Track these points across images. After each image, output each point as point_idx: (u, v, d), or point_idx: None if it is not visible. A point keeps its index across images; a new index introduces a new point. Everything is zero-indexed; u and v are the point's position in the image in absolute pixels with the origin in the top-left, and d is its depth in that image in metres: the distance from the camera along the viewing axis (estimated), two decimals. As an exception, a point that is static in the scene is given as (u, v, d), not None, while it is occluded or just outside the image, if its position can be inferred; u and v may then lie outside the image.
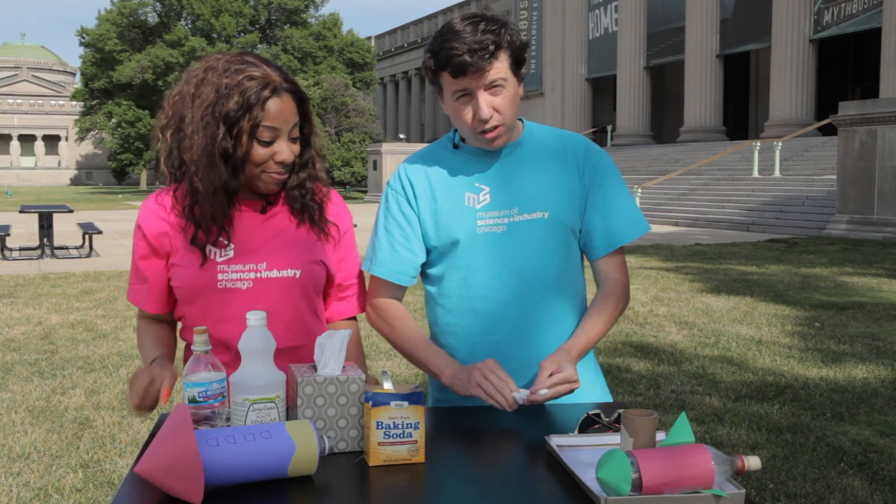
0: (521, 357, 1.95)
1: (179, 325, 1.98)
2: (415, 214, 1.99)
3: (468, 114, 1.86)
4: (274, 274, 1.84)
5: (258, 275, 1.83)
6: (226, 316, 1.82)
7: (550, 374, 1.78)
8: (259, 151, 1.76)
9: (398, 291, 2.04)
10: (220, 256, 1.82)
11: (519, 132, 2.00)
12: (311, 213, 1.90)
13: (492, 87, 1.84)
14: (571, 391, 1.81)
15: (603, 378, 2.15)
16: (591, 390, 2.05)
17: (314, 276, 1.90)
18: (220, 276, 1.81)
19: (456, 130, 2.01)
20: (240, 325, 1.73)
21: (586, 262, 2.11)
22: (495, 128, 1.88)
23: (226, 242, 1.82)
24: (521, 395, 1.78)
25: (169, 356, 1.88)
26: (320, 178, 1.92)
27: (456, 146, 2.01)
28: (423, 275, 2.06)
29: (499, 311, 1.95)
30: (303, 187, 1.89)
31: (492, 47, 1.80)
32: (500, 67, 1.83)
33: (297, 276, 1.86)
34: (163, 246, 1.84)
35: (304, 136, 1.86)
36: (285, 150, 1.78)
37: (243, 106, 1.71)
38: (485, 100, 1.84)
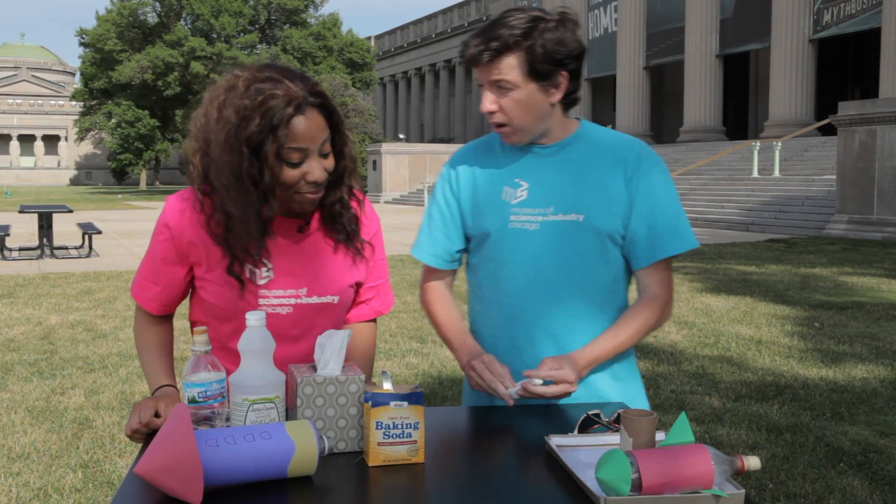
0: (537, 356, 1.95)
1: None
2: (455, 202, 2.03)
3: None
4: (314, 300, 1.81)
5: (298, 300, 1.80)
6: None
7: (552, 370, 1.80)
8: (289, 173, 1.66)
9: (443, 275, 2.10)
10: (261, 279, 1.76)
11: (569, 132, 1.97)
12: (347, 234, 1.85)
13: (497, 85, 1.85)
14: (567, 394, 1.81)
15: (639, 382, 2.10)
16: (624, 392, 2.01)
17: (349, 300, 1.90)
18: (261, 301, 1.76)
19: None
20: (276, 349, 1.64)
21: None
22: (501, 126, 1.89)
23: (264, 262, 1.76)
24: (514, 389, 1.80)
25: (172, 379, 1.83)
26: (354, 186, 1.86)
27: None
28: (467, 264, 2.10)
29: (521, 306, 1.96)
30: (341, 202, 1.82)
31: (494, 45, 1.80)
32: (506, 69, 1.82)
33: (336, 301, 1.84)
34: (191, 255, 1.77)
35: (337, 149, 1.75)
36: (317, 170, 1.68)
37: (266, 128, 1.61)
38: (488, 95, 1.86)
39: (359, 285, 1.92)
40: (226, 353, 1.81)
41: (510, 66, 1.82)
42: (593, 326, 1.96)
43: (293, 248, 1.79)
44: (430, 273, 2.11)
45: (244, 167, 1.63)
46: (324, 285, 1.82)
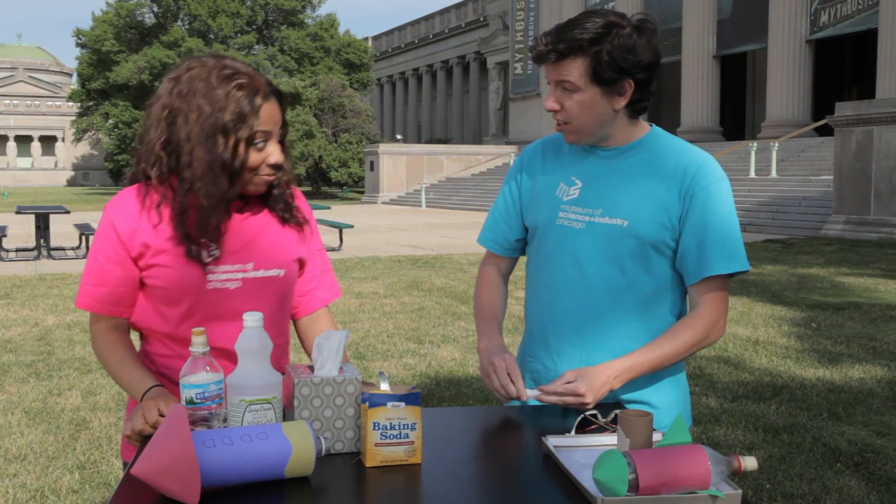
0: (563, 352, 1.96)
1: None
2: (518, 192, 2.08)
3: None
4: (261, 273, 1.86)
5: (245, 275, 1.84)
6: (214, 315, 1.81)
7: (567, 383, 1.82)
8: (255, 157, 1.77)
9: (499, 261, 2.17)
10: (207, 256, 1.80)
11: (634, 138, 1.96)
12: (288, 210, 1.93)
13: (562, 86, 1.87)
14: (580, 405, 1.80)
15: (686, 402, 2.07)
16: (668, 411, 1.98)
17: (294, 274, 1.94)
18: (209, 277, 1.80)
19: None
20: (227, 326, 1.78)
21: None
22: (563, 124, 1.91)
23: (210, 243, 1.81)
24: (531, 394, 1.85)
25: (156, 381, 1.82)
26: (290, 177, 1.93)
27: None
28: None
29: (557, 302, 1.98)
30: (279, 184, 1.91)
31: (562, 46, 1.82)
32: (570, 70, 1.83)
33: (282, 275, 1.89)
34: (134, 247, 1.80)
35: (282, 137, 1.88)
36: (276, 153, 1.80)
37: (240, 115, 1.72)
38: (554, 93, 1.90)
39: (302, 262, 1.97)
40: (174, 342, 1.83)
41: (575, 69, 1.83)
42: (624, 332, 1.94)
43: (237, 228, 1.85)
44: (488, 258, 2.18)
45: (218, 154, 1.72)
46: (269, 259, 1.87)
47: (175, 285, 1.80)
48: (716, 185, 1.91)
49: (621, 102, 1.87)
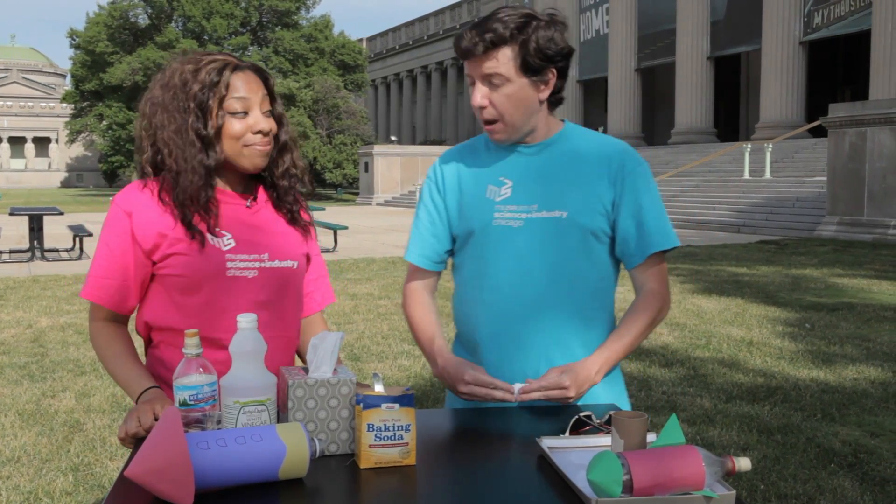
0: (523, 354, 1.96)
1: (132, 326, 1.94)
2: (443, 203, 2.05)
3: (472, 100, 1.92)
4: (276, 264, 1.88)
5: (262, 264, 1.86)
6: (233, 305, 1.81)
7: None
8: (235, 126, 1.80)
9: (427, 277, 2.11)
10: (224, 245, 1.83)
11: (553, 131, 1.99)
12: (292, 213, 1.97)
13: (489, 80, 1.86)
14: (564, 399, 1.84)
15: (622, 384, 2.11)
16: (605, 395, 2.02)
17: (304, 269, 1.98)
18: (228, 265, 1.82)
19: None
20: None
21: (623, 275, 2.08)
22: (491, 122, 1.90)
23: (224, 233, 1.84)
24: (518, 387, 1.85)
25: (153, 381, 1.81)
26: (299, 186, 1.96)
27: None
28: (451, 264, 2.12)
29: (506, 304, 1.96)
30: (289, 174, 1.93)
31: (489, 36, 1.82)
32: (499, 63, 1.84)
33: (295, 267, 1.92)
34: (149, 240, 1.80)
35: (276, 117, 1.89)
36: (262, 121, 1.82)
37: (208, 84, 1.78)
38: (480, 90, 1.88)
39: (308, 260, 2.01)
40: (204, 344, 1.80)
41: (505, 59, 1.84)
42: (579, 323, 1.97)
43: (247, 221, 1.89)
44: (414, 273, 2.12)
45: (189, 122, 1.78)
46: (283, 251, 1.91)
47: (195, 272, 1.80)
48: (641, 169, 1.99)
49: (546, 92, 1.91)
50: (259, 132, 1.82)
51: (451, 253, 2.09)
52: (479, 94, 1.89)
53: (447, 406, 2.12)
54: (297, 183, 1.96)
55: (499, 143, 1.99)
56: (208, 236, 1.81)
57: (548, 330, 1.96)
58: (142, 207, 1.82)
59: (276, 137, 1.90)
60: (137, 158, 1.89)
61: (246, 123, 1.81)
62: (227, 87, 1.79)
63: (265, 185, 1.95)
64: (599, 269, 1.99)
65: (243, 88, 1.80)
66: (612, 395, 2.04)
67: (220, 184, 1.88)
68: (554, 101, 1.96)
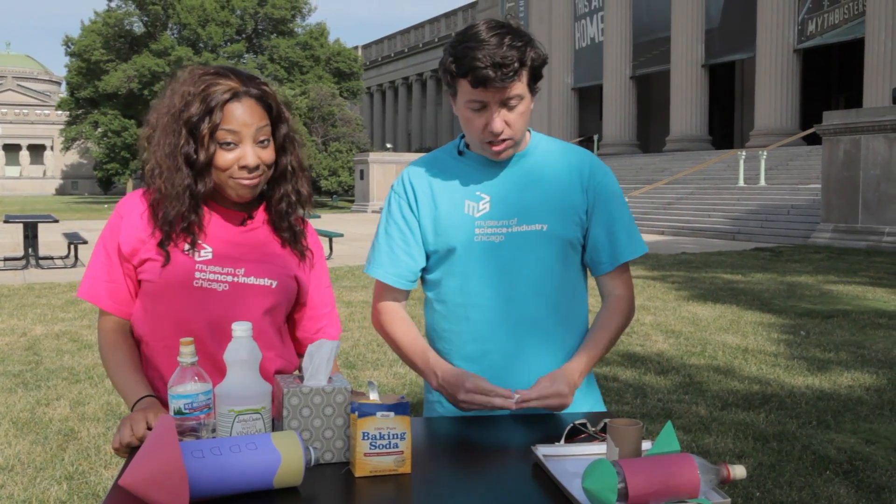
0: (510, 366, 1.96)
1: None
2: (415, 219, 2.00)
3: (479, 124, 1.88)
4: (251, 280, 1.86)
5: (235, 279, 1.84)
6: (197, 315, 1.81)
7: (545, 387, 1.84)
8: (224, 157, 1.79)
9: (399, 294, 2.07)
10: (199, 256, 1.83)
11: (525, 143, 2.00)
12: (293, 234, 1.94)
13: (508, 102, 1.85)
14: (561, 406, 1.85)
15: (597, 389, 2.14)
16: (583, 401, 2.04)
17: (289, 289, 1.92)
18: (197, 275, 1.82)
19: (462, 137, 2.03)
20: (209, 328, 1.79)
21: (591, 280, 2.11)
22: (504, 141, 1.89)
23: (204, 246, 1.84)
24: (515, 395, 1.84)
25: (151, 390, 1.82)
26: (302, 203, 1.94)
27: (461, 153, 2.02)
28: (423, 279, 2.08)
29: (492, 319, 1.96)
30: (288, 202, 1.91)
31: (516, 65, 1.80)
32: (520, 85, 1.84)
33: (274, 286, 1.88)
34: (129, 244, 1.84)
35: (279, 143, 1.86)
36: (249, 155, 1.79)
37: (203, 111, 1.77)
38: (500, 115, 1.85)
39: (299, 283, 1.95)
40: (168, 350, 1.81)
41: (522, 81, 1.85)
42: (564, 333, 2.00)
43: (234, 238, 1.88)
44: (386, 292, 2.06)
45: (180, 146, 1.77)
46: (261, 269, 1.87)
47: (161, 278, 1.82)
48: (609, 178, 2.03)
49: (533, 102, 1.94)
50: (244, 167, 1.79)
51: (423, 269, 2.05)
52: (500, 121, 1.85)
53: (424, 415, 2.10)
54: (294, 210, 1.93)
55: (497, 159, 1.96)
56: (185, 246, 1.82)
57: (536, 342, 1.97)
58: (132, 213, 1.86)
59: (277, 163, 1.88)
60: (139, 164, 1.91)
61: (235, 156, 1.79)
62: (222, 116, 1.77)
63: (266, 205, 1.94)
64: (576, 277, 2.03)
65: (237, 121, 1.78)
66: (590, 399, 2.07)
67: (217, 198, 1.88)
68: None
